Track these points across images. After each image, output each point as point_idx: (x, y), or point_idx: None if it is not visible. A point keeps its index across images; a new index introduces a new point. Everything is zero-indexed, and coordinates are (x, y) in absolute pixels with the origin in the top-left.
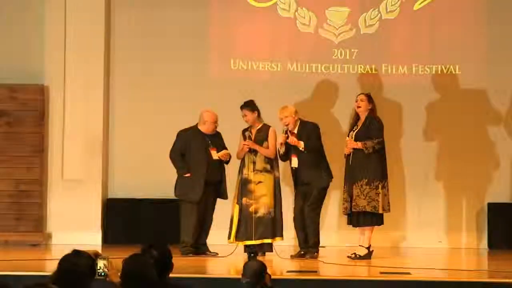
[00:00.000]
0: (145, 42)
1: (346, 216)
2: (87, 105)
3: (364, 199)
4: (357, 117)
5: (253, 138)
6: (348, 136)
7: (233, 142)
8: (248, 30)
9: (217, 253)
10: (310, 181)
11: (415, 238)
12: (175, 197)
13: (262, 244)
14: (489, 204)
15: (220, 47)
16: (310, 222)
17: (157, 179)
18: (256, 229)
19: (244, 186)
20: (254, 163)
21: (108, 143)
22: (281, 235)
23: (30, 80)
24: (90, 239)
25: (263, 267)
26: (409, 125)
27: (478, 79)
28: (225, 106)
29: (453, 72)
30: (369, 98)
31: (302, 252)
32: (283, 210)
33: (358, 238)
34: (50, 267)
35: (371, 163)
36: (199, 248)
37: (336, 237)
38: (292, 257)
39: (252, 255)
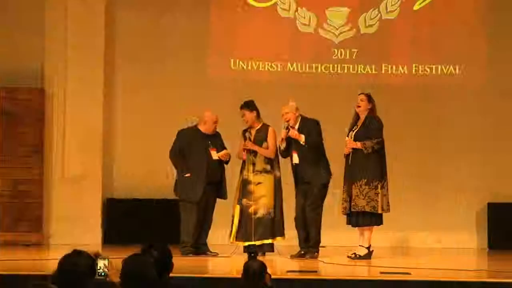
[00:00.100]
0: (145, 42)
1: (345, 216)
2: (87, 105)
3: (363, 199)
4: (357, 117)
5: (252, 139)
6: (348, 136)
7: (233, 142)
8: (248, 30)
9: (217, 253)
10: (310, 178)
11: (415, 238)
12: (175, 197)
13: (262, 245)
14: (489, 204)
15: (220, 47)
16: (311, 222)
17: (157, 179)
18: (256, 230)
19: (244, 187)
20: (253, 164)
21: (108, 143)
22: (282, 235)
23: (30, 80)
24: (90, 239)
25: (263, 267)
26: (408, 125)
27: (477, 79)
28: (225, 106)
29: (453, 72)
30: (369, 98)
31: (302, 252)
32: (285, 209)
33: (358, 238)
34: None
35: (370, 163)
36: (199, 248)
37: (336, 237)
38: (292, 257)
39: (252, 255)
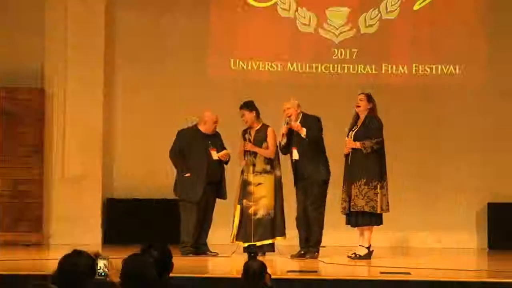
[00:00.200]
0: (145, 42)
1: (345, 216)
2: (87, 105)
3: (362, 199)
4: (357, 116)
5: (252, 139)
6: (348, 136)
7: (233, 143)
8: (248, 30)
9: (217, 253)
10: (309, 174)
11: (415, 238)
12: (175, 197)
13: (262, 245)
14: (489, 204)
15: (220, 47)
16: (313, 221)
17: (157, 179)
18: (255, 231)
19: (244, 187)
20: (253, 165)
21: (108, 143)
22: (282, 235)
23: (30, 80)
24: (90, 239)
25: (263, 267)
26: (408, 125)
27: (477, 79)
28: (225, 106)
29: (453, 72)
30: (369, 98)
31: (303, 252)
32: (286, 209)
33: (358, 238)
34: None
35: (370, 163)
36: (199, 248)
37: (337, 237)
38: (292, 256)
39: (252, 255)
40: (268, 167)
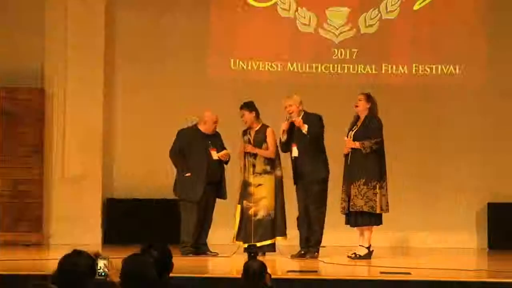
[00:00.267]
0: (145, 42)
1: (344, 216)
2: (87, 105)
3: (361, 199)
4: (357, 116)
5: (252, 140)
6: (347, 136)
7: (233, 143)
8: (248, 30)
9: (217, 253)
10: (308, 172)
11: (415, 238)
12: (175, 197)
13: (262, 245)
14: (489, 204)
15: (220, 47)
16: (314, 221)
17: (157, 179)
18: (256, 231)
19: (244, 188)
20: (253, 165)
21: (108, 143)
22: (283, 235)
23: (30, 80)
24: (90, 239)
25: (263, 267)
26: (408, 125)
27: (477, 79)
28: (225, 106)
29: (453, 72)
30: (368, 98)
31: (303, 252)
32: (287, 208)
33: (358, 238)
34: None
35: (369, 163)
36: (199, 248)
37: (337, 237)
38: (292, 256)
39: (252, 255)
40: (268, 168)
